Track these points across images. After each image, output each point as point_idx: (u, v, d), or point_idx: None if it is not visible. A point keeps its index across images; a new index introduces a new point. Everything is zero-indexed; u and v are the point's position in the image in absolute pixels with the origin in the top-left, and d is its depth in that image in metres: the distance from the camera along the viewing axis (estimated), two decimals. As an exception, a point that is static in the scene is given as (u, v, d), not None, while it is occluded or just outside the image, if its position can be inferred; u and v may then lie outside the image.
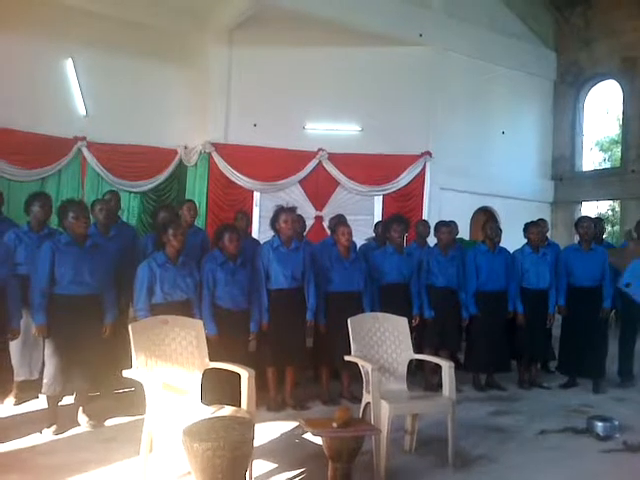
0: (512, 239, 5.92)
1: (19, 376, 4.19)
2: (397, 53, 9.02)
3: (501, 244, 5.54)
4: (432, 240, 6.06)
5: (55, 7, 7.47)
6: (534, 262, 5.50)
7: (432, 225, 6.10)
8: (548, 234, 6.64)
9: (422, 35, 9.02)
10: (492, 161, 9.79)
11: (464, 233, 7.99)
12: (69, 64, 8.07)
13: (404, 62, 9.04)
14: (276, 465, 3.46)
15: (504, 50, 10.09)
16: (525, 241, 5.66)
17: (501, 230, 5.53)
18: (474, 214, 9.57)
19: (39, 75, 7.81)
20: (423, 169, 8.94)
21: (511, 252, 5.61)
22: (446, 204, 8.84)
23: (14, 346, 4.00)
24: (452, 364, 3.71)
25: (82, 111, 8.18)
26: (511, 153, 10.16)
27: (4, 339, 3.82)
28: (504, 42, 10.11)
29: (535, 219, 5.97)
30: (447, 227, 5.47)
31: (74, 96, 8.14)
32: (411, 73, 9.04)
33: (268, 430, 4.00)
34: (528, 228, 5.61)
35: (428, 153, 8.91)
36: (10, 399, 4.36)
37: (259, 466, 3.33)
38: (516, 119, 10.49)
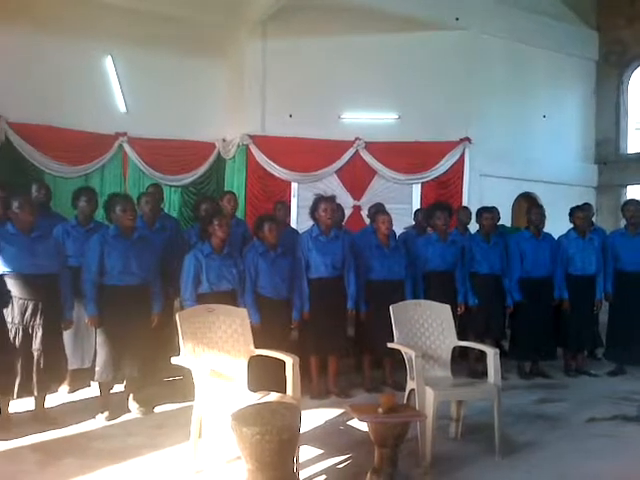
0: (555, 225, 5.80)
1: (72, 365, 4.32)
2: (433, 38, 8.87)
3: (544, 230, 5.43)
4: (473, 227, 6.00)
5: (93, 6, 7.61)
6: (580, 248, 5.39)
7: (473, 212, 6.04)
8: (593, 219, 6.47)
9: (458, 19, 8.86)
10: (533, 146, 9.55)
11: (506, 220, 7.84)
12: (109, 61, 8.24)
13: (441, 47, 8.89)
14: (322, 451, 3.50)
15: (543, 31, 9.80)
16: (570, 226, 5.54)
17: (545, 216, 5.42)
18: (515, 200, 9.38)
19: (80, 73, 7.99)
20: (462, 155, 8.79)
21: (555, 238, 5.50)
22: (486, 191, 8.68)
23: (67, 336, 4.13)
24: (497, 350, 3.68)
25: (122, 107, 8.35)
26: (553, 137, 9.89)
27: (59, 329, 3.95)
28: (543, 23, 9.81)
29: (579, 204, 5.82)
30: (490, 213, 5.39)
31: (114, 92, 8.32)
32: (448, 58, 8.88)
33: (313, 417, 4.04)
34: (574, 213, 5.49)
35: (467, 139, 8.77)
36: (64, 387, 4.52)
37: (305, 452, 3.37)
38: (557, 102, 10.20)
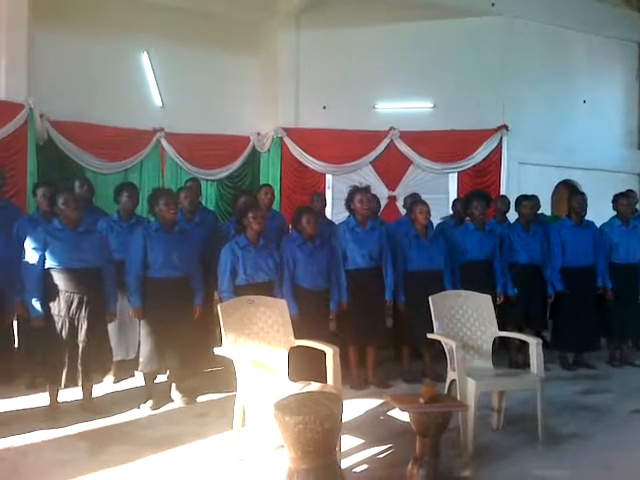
0: (596, 213, 5.64)
1: (116, 356, 4.44)
2: (468, 24, 8.71)
3: (586, 218, 5.31)
4: (511, 217, 5.90)
5: (129, 3, 7.75)
6: (624, 235, 5.26)
7: (511, 201, 5.94)
8: (638, 206, 6.28)
9: (494, 4, 8.68)
10: (573, 132, 9.30)
11: (545, 208, 7.66)
12: (145, 58, 8.36)
13: (476, 33, 8.72)
14: (363, 440, 3.52)
15: (582, 13, 9.50)
16: (612, 214, 5.40)
17: (587, 203, 5.30)
18: (555, 188, 9.17)
19: (118, 70, 8.12)
20: (499, 144, 8.63)
21: (598, 226, 5.37)
22: (525, 179, 8.51)
23: (111, 329, 4.23)
24: (540, 340, 3.63)
25: (159, 103, 8.47)
26: (593, 123, 9.61)
27: (104, 322, 4.07)
28: (581, 5, 9.51)
29: (622, 191, 5.66)
30: (529, 201, 5.30)
31: (151, 88, 8.43)
32: (484, 44, 8.71)
33: (353, 407, 4.05)
34: (617, 200, 5.36)
35: (504, 127, 8.60)
36: (109, 378, 4.65)
37: (347, 441, 3.40)
38: (598, 86, 9.90)
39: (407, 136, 8.56)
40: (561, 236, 5.20)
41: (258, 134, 8.77)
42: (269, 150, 8.70)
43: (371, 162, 8.64)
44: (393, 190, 8.58)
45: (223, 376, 4.44)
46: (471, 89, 8.60)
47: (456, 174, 8.66)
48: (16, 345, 4.68)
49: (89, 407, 4.02)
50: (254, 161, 8.87)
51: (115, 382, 4.69)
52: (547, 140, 8.90)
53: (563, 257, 5.18)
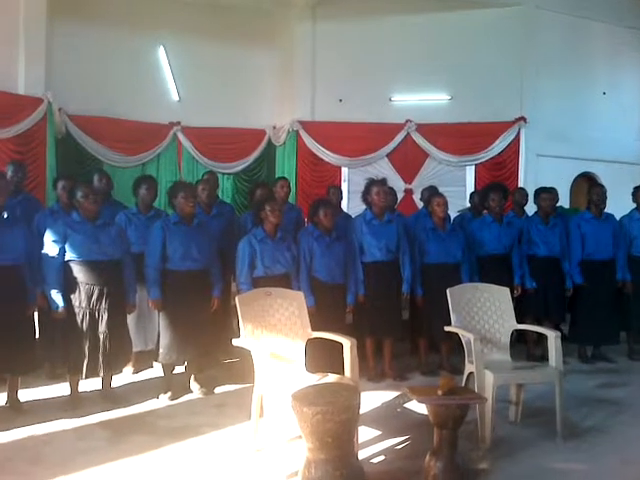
0: (616, 205, 5.57)
1: (135, 347, 4.47)
2: (486, 15, 8.63)
3: (605, 211, 5.25)
4: (529, 209, 5.85)
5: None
6: (644, 228, 5.17)
7: (529, 194, 5.89)
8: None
9: (513, -5, 8.59)
10: (592, 124, 9.17)
11: (564, 201, 7.57)
12: (161, 52, 8.40)
13: (493, 24, 8.63)
14: (380, 432, 3.52)
15: (601, 4, 9.32)
16: (632, 206, 5.32)
17: (606, 195, 5.23)
18: (574, 181, 9.07)
19: (134, 65, 8.17)
20: (517, 136, 8.55)
21: (617, 219, 5.30)
22: (543, 171, 8.42)
23: (130, 320, 4.27)
24: (558, 333, 3.60)
25: (175, 97, 8.52)
26: (613, 114, 9.46)
27: (123, 313, 4.12)
28: (601, -5, 9.39)
29: (643, 183, 5.59)
30: (548, 193, 5.24)
31: (167, 83, 8.48)
32: (501, 35, 8.62)
33: (370, 399, 4.05)
34: (637, 192, 5.29)
35: (522, 119, 8.52)
36: (129, 368, 4.70)
37: (364, 433, 3.40)
38: (618, 77, 9.75)
39: (424, 129, 8.52)
40: (580, 229, 5.15)
41: (274, 127, 8.78)
42: (285, 143, 8.71)
43: (387, 155, 8.62)
44: (409, 183, 8.55)
45: (240, 367, 4.47)
46: (488, 81, 8.52)
47: (473, 167, 8.61)
48: (37, 336, 4.75)
49: (109, 397, 4.08)
50: (270, 154, 8.89)
51: (134, 373, 4.74)
52: (566, 132, 8.79)
53: (582, 250, 5.13)
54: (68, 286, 3.85)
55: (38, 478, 2.94)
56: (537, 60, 8.74)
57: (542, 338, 4.57)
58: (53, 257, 3.83)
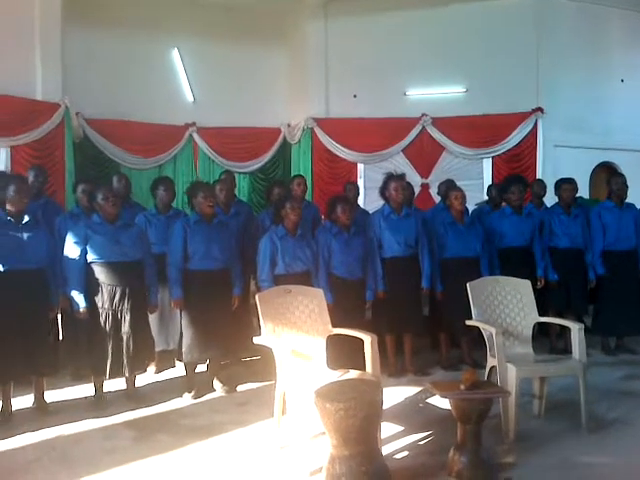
0: (637, 195, 5.49)
1: (157, 347, 4.52)
2: (500, 6, 8.52)
3: (626, 200, 5.17)
4: (548, 201, 5.78)
5: (158, 0, 7.82)
6: (666, 217, 5.09)
7: (548, 185, 5.82)
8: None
9: (527, -17, 8.48)
10: (611, 112, 9.02)
11: (583, 191, 7.47)
12: (175, 54, 8.45)
13: (508, 14, 8.52)
14: (403, 428, 3.52)
15: (618, -12, 9.22)
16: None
17: (627, 185, 5.16)
18: (594, 171, 8.94)
19: (149, 67, 8.23)
20: (534, 127, 8.44)
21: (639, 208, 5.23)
22: (562, 162, 8.30)
23: (152, 320, 4.32)
24: (582, 325, 3.56)
25: (190, 98, 8.56)
26: (633, 102, 9.28)
27: (145, 314, 4.16)
28: (617, -20, 9.23)
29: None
30: (569, 184, 5.19)
31: (182, 84, 8.53)
32: (516, 25, 8.51)
33: (391, 395, 4.05)
34: (659, 180, 5.20)
35: (539, 109, 8.40)
36: (151, 368, 4.75)
37: (386, 429, 3.40)
38: (636, 64, 9.55)
39: (439, 122, 8.45)
40: (602, 218, 5.09)
41: (288, 125, 8.79)
42: (300, 141, 8.70)
43: (403, 150, 8.56)
44: (426, 178, 8.49)
45: (261, 365, 4.49)
46: (504, 72, 8.41)
47: (490, 159, 8.50)
48: (61, 338, 4.81)
49: (133, 397, 4.13)
50: (285, 152, 8.90)
51: (157, 372, 4.79)
52: (584, 121, 8.65)
53: (604, 240, 5.06)
54: (90, 287, 3.91)
55: (65, 477, 2.99)
56: (553, 49, 8.62)
57: (565, 330, 4.53)
58: (74, 259, 3.89)
